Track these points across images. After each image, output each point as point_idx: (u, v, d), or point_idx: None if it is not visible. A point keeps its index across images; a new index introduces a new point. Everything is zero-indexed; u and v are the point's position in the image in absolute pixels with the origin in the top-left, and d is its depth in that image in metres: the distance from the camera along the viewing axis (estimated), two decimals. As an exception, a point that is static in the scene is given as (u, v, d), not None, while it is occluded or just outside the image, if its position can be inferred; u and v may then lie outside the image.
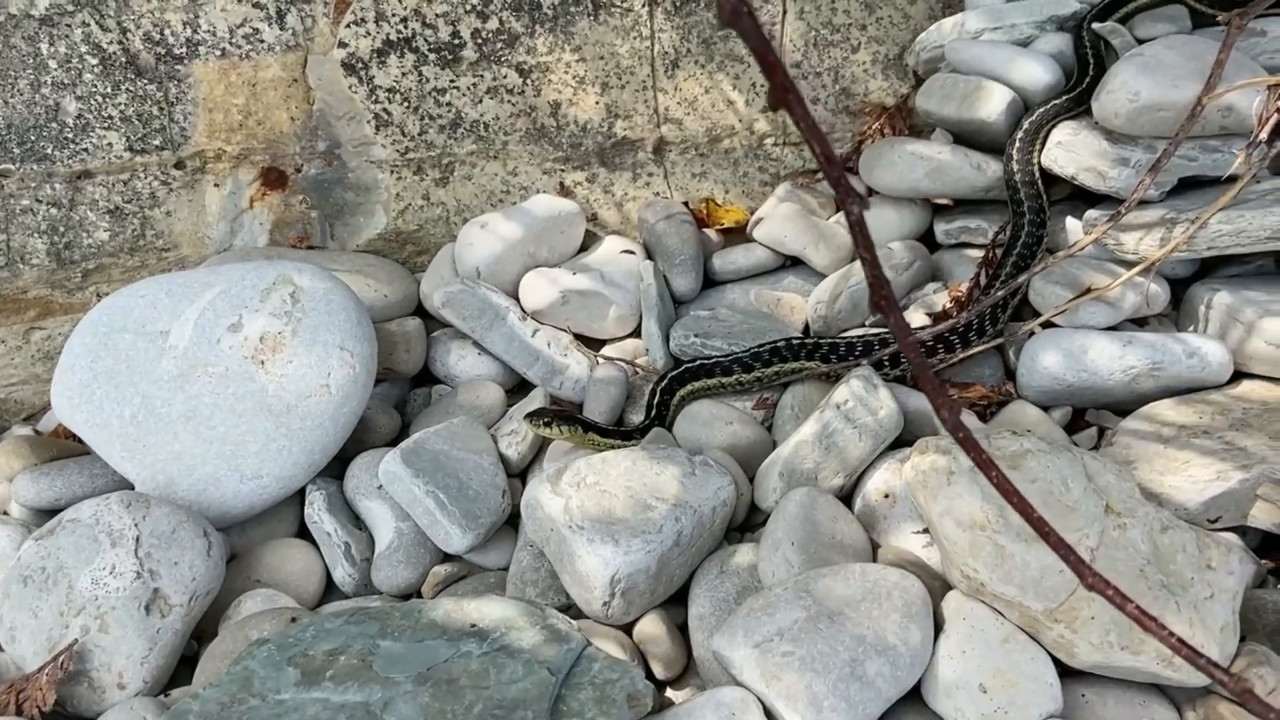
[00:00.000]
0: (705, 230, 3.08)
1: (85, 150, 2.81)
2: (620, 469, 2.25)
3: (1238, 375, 2.55)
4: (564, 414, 2.51)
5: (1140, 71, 2.57)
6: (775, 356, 2.56)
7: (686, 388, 2.58)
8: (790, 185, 3.13)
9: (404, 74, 2.95)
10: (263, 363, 2.44)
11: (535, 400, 2.65)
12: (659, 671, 2.13)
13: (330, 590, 2.42)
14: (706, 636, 2.10)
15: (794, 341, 2.58)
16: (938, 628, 2.00)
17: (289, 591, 2.34)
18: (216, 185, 2.94)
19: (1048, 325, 2.63)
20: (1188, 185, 2.66)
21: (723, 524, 2.26)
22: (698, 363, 2.59)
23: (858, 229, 1.31)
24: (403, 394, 2.84)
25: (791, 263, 2.98)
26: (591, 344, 2.87)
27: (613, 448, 2.46)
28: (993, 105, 2.78)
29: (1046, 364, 2.51)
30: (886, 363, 2.56)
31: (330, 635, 1.99)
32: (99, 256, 2.91)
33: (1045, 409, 2.57)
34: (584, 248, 3.05)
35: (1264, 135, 2.27)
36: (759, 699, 1.89)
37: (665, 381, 2.58)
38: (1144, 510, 2.03)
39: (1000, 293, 2.55)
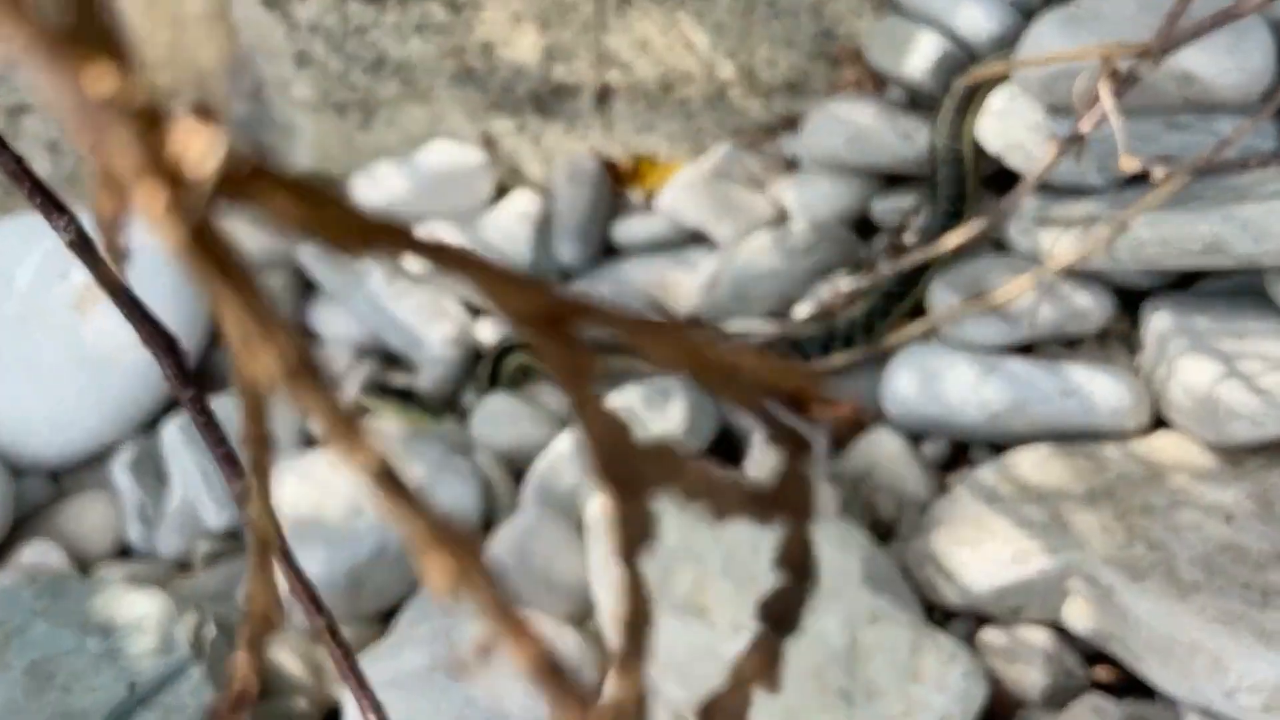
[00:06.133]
0: (631, 192, 2.76)
1: (20, 85, 2.88)
2: (362, 463, 2.06)
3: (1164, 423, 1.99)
4: (387, 387, 2.33)
5: (1064, 25, 2.01)
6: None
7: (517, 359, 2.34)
8: (733, 145, 2.73)
9: (326, 10, 2.80)
10: (85, 313, 2.42)
11: (362, 375, 2.48)
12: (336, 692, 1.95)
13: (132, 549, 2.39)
14: (385, 663, 1.90)
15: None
16: (602, 698, 1.70)
17: (80, 545, 2.32)
18: (151, 122, 2.93)
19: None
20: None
21: (463, 536, 2.02)
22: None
23: (79, 255, 1.08)
24: (280, 349, 2.74)
25: (703, 236, 2.61)
26: (479, 311, 2.66)
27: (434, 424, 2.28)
28: (917, 59, 2.28)
29: (900, 388, 2.06)
30: (725, 366, 2.19)
31: (9, 603, 1.95)
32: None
33: (920, 438, 2.13)
34: (498, 203, 2.81)
35: (1086, 127, 1.70)
36: (355, 751, 1.68)
37: (497, 351, 2.35)
38: (855, 594, 1.63)
39: (839, 299, 2.11)
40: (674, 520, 1.58)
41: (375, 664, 1.72)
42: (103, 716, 1.69)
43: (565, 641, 1.71)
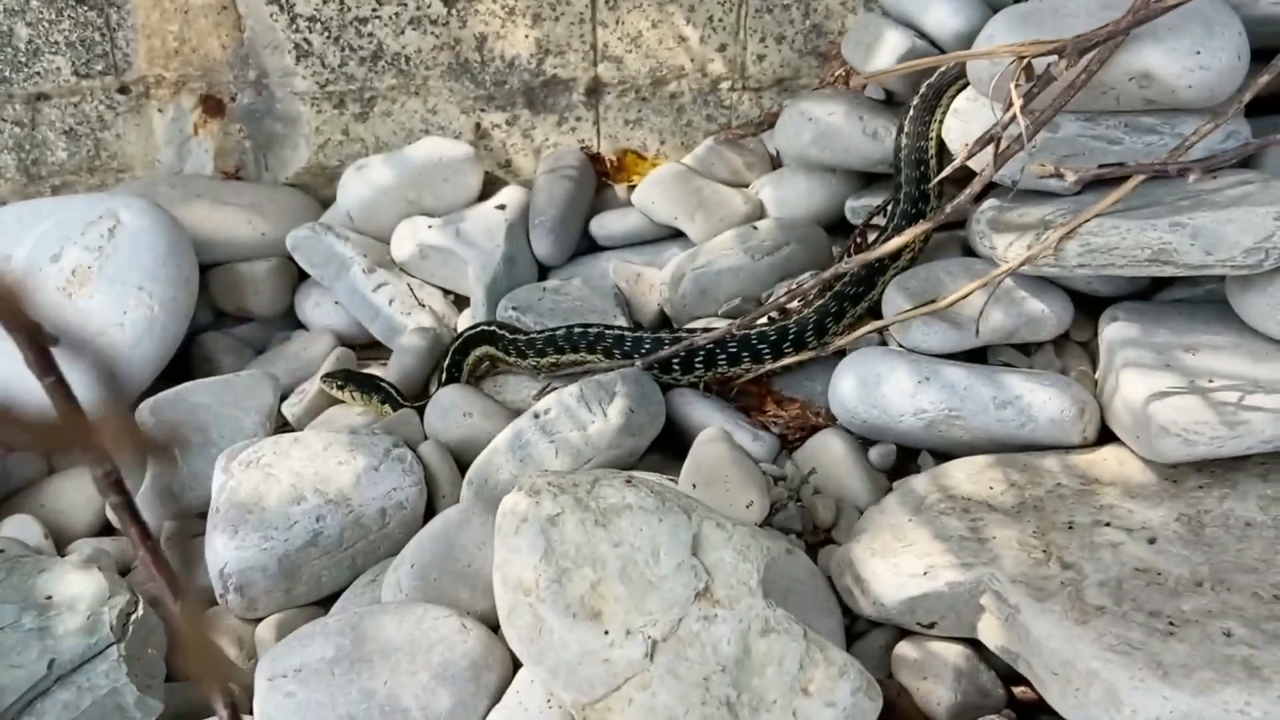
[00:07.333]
0: (616, 186, 2.74)
1: (38, 74, 2.96)
2: (309, 452, 2.09)
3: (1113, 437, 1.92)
4: (360, 377, 2.37)
5: (1016, 23, 1.94)
6: (550, 345, 2.25)
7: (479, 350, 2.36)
8: (715, 141, 2.69)
9: (325, 2, 2.83)
10: (70, 296, 2.49)
11: (329, 363, 2.51)
12: (269, 677, 1.98)
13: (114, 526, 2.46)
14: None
15: (575, 330, 2.25)
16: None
17: (61, 521, 2.40)
18: (160, 111, 3.01)
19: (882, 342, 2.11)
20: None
21: (403, 528, 2.04)
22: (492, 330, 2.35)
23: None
24: (269, 335, 2.79)
25: (680, 232, 2.58)
26: (464, 303, 2.67)
27: None
28: (882, 59, 2.22)
29: (843, 392, 2.03)
30: (676, 365, 2.17)
31: (-37, 579, 2.02)
32: (62, 174, 3.07)
33: (871, 443, 2.08)
34: (487, 197, 2.81)
35: (1001, 129, 1.63)
36: (260, 738, 1.71)
37: (460, 341, 2.37)
38: (750, 603, 1.60)
39: (775, 300, 2.07)
40: (575, 524, 1.57)
41: (285, 653, 1.74)
42: (20, 694, 1.74)
43: (464, 639, 1.71)
